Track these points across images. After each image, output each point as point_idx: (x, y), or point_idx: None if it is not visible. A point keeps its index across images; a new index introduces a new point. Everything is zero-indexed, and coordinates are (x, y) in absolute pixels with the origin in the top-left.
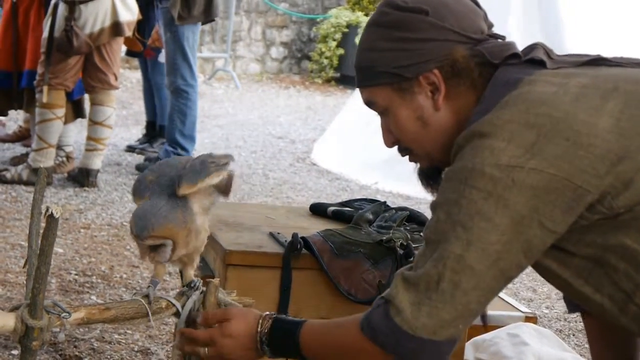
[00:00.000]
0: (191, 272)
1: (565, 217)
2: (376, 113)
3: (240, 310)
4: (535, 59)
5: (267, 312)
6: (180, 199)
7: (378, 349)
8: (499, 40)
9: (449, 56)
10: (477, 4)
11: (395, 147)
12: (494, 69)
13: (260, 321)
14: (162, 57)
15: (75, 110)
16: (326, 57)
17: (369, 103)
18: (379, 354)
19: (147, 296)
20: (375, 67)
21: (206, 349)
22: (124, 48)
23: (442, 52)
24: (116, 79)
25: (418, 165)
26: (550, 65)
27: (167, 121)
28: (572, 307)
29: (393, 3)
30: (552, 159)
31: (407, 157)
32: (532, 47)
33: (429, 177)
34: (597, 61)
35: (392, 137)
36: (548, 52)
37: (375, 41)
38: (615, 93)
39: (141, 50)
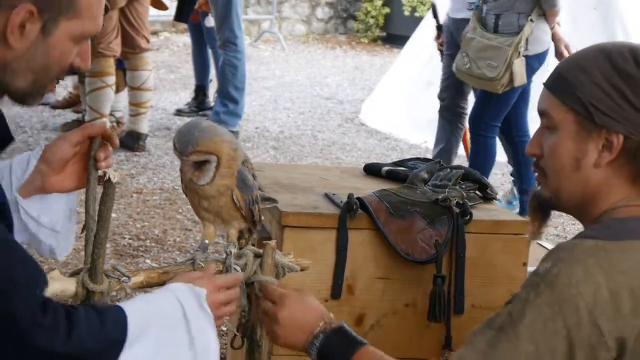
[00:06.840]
0: (233, 232)
1: None
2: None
3: (312, 302)
4: None
5: (332, 319)
6: None
7: None
8: None
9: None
10: None
11: None
12: None
13: (322, 324)
14: (207, 22)
15: (126, 78)
16: (372, 17)
17: (543, 112)
18: None
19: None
20: (576, 89)
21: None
22: (168, 13)
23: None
24: (148, 41)
25: (537, 187)
26: None
27: (218, 77)
28: None
29: (637, 55)
30: None
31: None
32: None
33: (540, 204)
34: None
35: (540, 151)
36: None
37: (595, 69)
38: None
39: (166, 9)
